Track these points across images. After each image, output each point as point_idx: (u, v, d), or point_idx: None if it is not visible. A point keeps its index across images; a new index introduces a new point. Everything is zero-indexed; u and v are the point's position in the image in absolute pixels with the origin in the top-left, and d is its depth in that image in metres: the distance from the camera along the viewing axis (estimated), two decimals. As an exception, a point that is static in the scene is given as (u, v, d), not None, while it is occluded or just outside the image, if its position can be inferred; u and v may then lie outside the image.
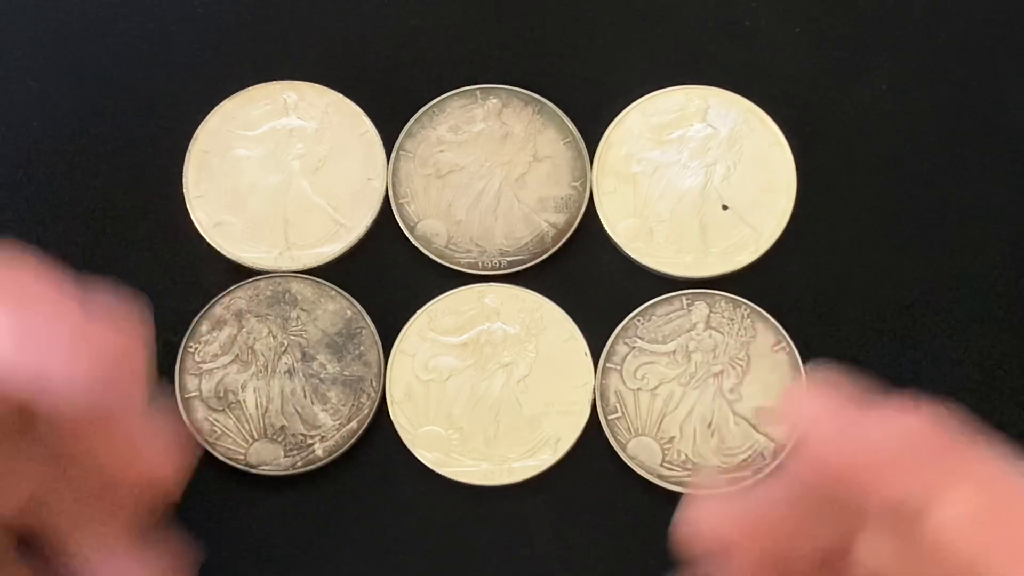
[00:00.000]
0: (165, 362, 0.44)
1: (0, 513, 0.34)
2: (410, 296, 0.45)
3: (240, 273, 0.46)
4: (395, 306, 0.45)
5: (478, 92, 0.48)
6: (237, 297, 0.45)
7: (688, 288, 0.45)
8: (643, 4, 0.49)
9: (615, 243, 0.46)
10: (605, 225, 0.46)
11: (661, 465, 0.42)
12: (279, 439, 0.43)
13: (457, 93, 0.48)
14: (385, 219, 0.46)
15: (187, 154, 0.47)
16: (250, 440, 0.43)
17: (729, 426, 0.43)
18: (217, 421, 0.44)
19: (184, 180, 0.47)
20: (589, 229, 0.46)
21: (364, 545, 0.42)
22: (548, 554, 0.42)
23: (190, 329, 0.45)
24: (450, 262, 0.45)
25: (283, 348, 0.44)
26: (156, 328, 0.45)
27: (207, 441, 0.43)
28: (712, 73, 0.47)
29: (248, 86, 0.48)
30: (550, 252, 0.45)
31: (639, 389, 0.43)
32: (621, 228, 0.46)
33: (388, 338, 0.44)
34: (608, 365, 0.44)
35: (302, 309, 0.45)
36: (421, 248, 0.46)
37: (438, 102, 0.48)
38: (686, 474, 0.42)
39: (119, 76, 0.49)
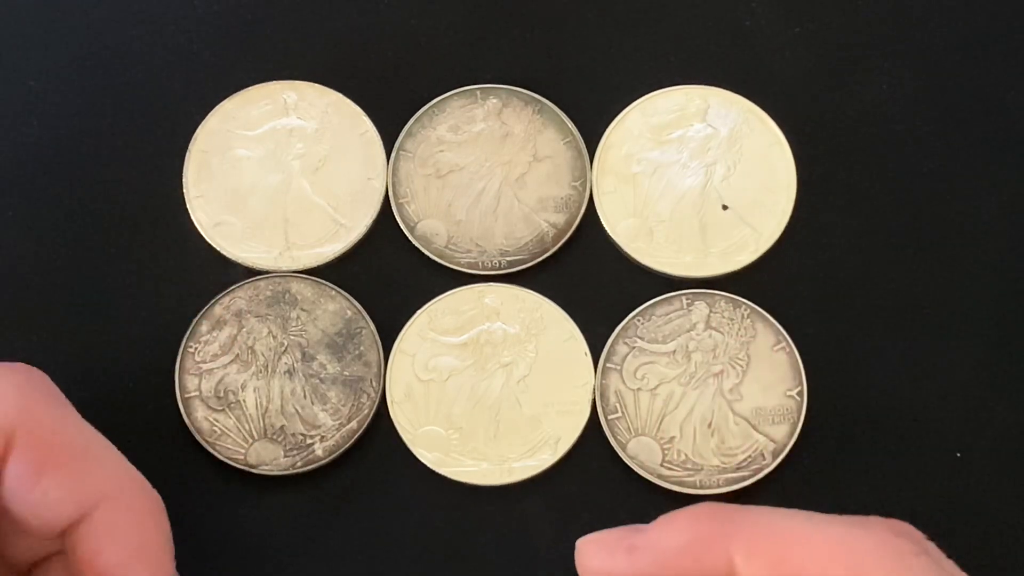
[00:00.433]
0: (165, 362, 0.44)
1: None
2: (410, 296, 0.45)
3: (240, 273, 0.46)
4: (395, 306, 0.45)
5: (478, 92, 0.48)
6: (237, 297, 0.45)
7: (688, 288, 0.45)
8: (643, 4, 0.49)
9: (615, 243, 0.46)
10: (605, 225, 0.46)
11: (661, 465, 0.42)
12: (279, 439, 0.43)
13: (457, 93, 0.48)
14: (385, 219, 0.46)
15: (187, 154, 0.47)
16: (250, 440, 0.43)
17: (729, 426, 0.43)
18: (217, 421, 0.43)
19: (184, 180, 0.47)
20: (589, 229, 0.46)
21: (364, 545, 0.42)
22: (548, 554, 0.42)
23: (190, 329, 0.45)
24: (450, 262, 0.45)
25: (283, 348, 0.44)
26: (156, 328, 0.45)
27: (207, 441, 0.43)
28: (712, 73, 0.47)
29: (248, 86, 0.48)
30: (550, 252, 0.45)
31: (639, 389, 0.43)
32: (621, 228, 0.46)
33: (388, 338, 0.44)
34: (608, 365, 0.44)
35: (302, 309, 0.45)
36: (421, 248, 0.46)
37: (438, 102, 0.48)
38: (686, 474, 0.42)
39: (119, 76, 0.49)
